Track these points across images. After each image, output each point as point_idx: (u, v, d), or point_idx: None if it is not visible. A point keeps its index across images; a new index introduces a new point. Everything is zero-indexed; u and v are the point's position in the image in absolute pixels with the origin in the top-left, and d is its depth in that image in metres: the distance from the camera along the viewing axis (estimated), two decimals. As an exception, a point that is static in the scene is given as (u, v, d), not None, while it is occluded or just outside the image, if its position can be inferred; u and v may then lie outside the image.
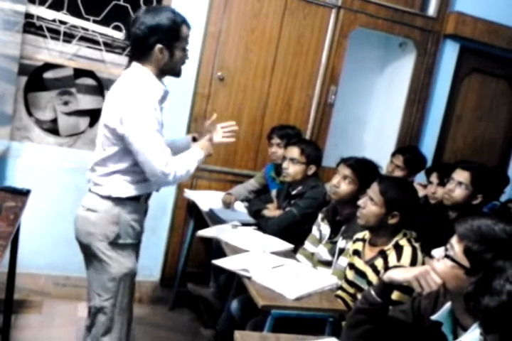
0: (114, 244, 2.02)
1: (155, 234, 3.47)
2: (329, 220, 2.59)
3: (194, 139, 2.34)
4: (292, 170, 2.92)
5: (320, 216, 2.66)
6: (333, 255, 2.42)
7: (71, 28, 3.30)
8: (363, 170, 2.51)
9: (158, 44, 1.95)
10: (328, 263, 2.45)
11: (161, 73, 2.04)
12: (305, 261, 2.56)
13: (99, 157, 2.01)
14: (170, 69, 2.03)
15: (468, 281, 1.25)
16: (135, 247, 2.13)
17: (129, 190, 2.01)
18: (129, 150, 1.94)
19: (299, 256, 2.60)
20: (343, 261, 2.32)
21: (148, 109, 1.90)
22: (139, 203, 2.07)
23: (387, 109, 4.14)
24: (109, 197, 2.00)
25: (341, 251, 2.38)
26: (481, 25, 3.86)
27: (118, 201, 2.00)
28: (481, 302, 1.10)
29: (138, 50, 2.00)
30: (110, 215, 2.00)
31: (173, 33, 1.96)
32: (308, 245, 2.64)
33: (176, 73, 2.08)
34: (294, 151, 2.93)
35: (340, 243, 2.42)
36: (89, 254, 2.06)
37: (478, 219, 1.40)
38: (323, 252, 2.49)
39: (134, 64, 2.01)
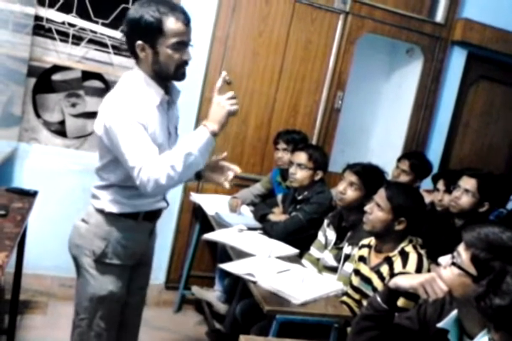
0: (99, 262, 1.85)
1: (160, 237, 3.46)
2: (335, 226, 2.58)
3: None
4: (300, 175, 2.92)
5: (326, 221, 2.66)
6: (338, 261, 2.42)
7: (80, 30, 3.33)
8: (369, 177, 2.51)
9: (138, 41, 1.72)
10: (333, 269, 2.45)
11: (156, 76, 1.79)
12: (310, 266, 2.56)
13: (97, 166, 1.88)
14: (162, 70, 1.76)
15: (475, 289, 1.25)
16: (126, 270, 1.92)
17: (123, 206, 1.84)
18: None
19: (304, 261, 2.60)
20: (348, 267, 2.32)
21: (131, 118, 1.69)
22: (136, 221, 1.88)
23: (393, 115, 4.14)
24: (102, 211, 1.85)
25: (347, 257, 2.38)
26: (489, 32, 3.86)
27: (111, 216, 1.85)
28: (493, 302, 1.11)
29: (128, 49, 1.80)
30: (100, 230, 1.85)
31: (153, 27, 1.68)
32: (313, 250, 2.64)
33: (172, 76, 1.79)
34: (302, 157, 2.93)
35: (346, 249, 2.41)
36: (77, 266, 1.92)
37: (486, 227, 1.40)
38: (328, 258, 2.49)
39: (135, 66, 1.82)
